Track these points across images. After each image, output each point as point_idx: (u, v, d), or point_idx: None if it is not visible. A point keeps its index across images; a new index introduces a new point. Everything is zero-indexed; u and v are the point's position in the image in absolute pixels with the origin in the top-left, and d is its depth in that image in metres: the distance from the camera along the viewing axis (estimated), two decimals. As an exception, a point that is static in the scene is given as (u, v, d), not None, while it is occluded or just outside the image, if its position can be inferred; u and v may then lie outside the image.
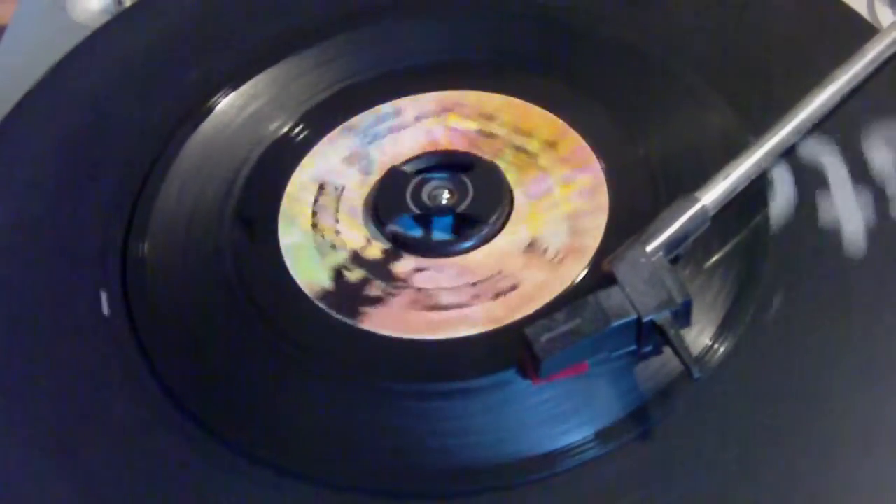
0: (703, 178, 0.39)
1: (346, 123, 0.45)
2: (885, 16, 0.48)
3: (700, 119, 0.43)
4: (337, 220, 0.43)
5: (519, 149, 0.43)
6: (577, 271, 0.39)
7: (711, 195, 0.38)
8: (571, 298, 0.37)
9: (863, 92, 0.42)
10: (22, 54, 0.52)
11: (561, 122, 0.44)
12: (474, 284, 0.40)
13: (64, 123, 0.47)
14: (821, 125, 0.41)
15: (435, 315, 0.39)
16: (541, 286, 0.39)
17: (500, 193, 0.42)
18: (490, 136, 0.44)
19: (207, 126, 0.46)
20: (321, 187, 0.44)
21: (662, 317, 0.35)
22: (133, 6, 0.52)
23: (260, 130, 0.46)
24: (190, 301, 0.41)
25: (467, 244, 0.41)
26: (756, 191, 0.40)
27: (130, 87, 0.48)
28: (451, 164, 0.44)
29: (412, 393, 0.37)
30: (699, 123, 0.43)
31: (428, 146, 0.44)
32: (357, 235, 0.42)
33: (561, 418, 0.36)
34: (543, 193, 0.42)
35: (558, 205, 0.42)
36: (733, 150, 0.40)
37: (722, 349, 0.37)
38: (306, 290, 0.40)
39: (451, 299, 0.40)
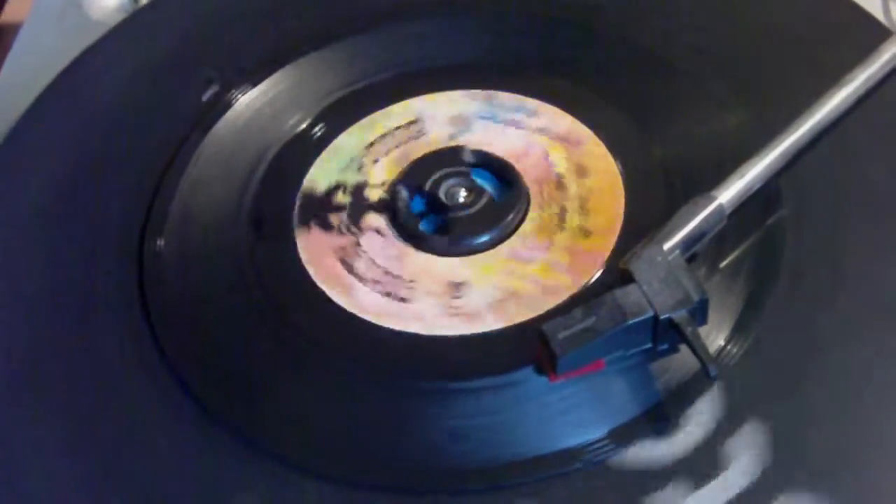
0: (719, 177, 0.39)
1: (492, 93, 0.46)
2: (899, 18, 0.48)
3: (716, 120, 0.44)
4: (387, 153, 0.44)
5: (562, 214, 0.42)
6: (448, 331, 0.39)
7: (728, 194, 0.38)
8: (589, 297, 0.37)
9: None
10: (38, 52, 0.52)
11: (616, 222, 0.41)
12: (387, 273, 0.40)
13: (81, 121, 0.48)
14: (830, 129, 0.42)
15: (341, 270, 0.40)
16: (413, 316, 0.39)
17: (499, 225, 0.41)
18: (561, 187, 0.43)
19: (225, 122, 0.46)
20: (413, 122, 0.45)
21: (679, 315, 0.35)
22: (149, 4, 0.52)
23: (278, 127, 0.46)
24: (205, 296, 0.41)
25: (424, 244, 0.41)
26: (772, 190, 0.40)
27: (148, 85, 0.48)
28: (502, 175, 0.43)
29: (426, 390, 0.37)
30: (716, 124, 0.43)
31: (510, 154, 0.44)
32: (382, 174, 0.43)
33: (576, 416, 0.36)
34: (524, 260, 0.41)
35: (516, 277, 0.40)
36: (749, 151, 0.40)
37: (737, 349, 0.37)
38: (304, 184, 0.42)
39: (362, 269, 0.41)
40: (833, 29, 0.46)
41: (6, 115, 0.48)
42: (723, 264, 0.39)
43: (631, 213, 0.41)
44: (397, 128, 0.45)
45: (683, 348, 0.36)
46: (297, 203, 0.42)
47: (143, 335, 0.40)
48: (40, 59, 0.51)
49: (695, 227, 0.38)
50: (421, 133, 0.45)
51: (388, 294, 0.40)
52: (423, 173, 0.43)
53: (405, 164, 0.44)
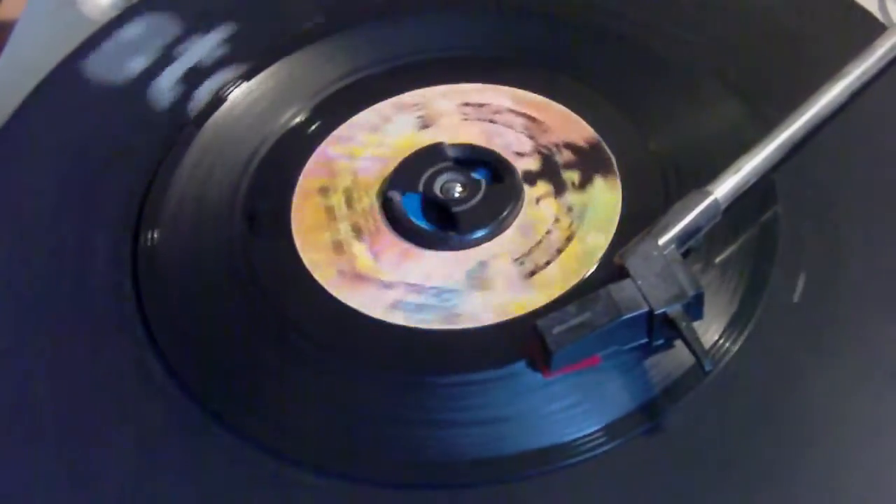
0: (714, 172, 0.39)
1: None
2: (895, 12, 0.48)
3: (711, 114, 0.44)
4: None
5: (559, 187, 0.42)
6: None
7: (723, 189, 0.38)
8: (584, 292, 0.37)
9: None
10: (32, 49, 0.52)
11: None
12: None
13: (75, 117, 0.47)
14: (825, 124, 0.41)
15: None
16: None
17: (499, 217, 0.41)
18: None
19: (219, 117, 0.46)
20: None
21: (674, 310, 0.35)
22: (140, 1, 0.52)
23: (272, 120, 0.46)
24: (201, 291, 0.41)
25: (435, 243, 0.41)
26: (767, 185, 0.40)
27: (141, 81, 0.48)
28: (493, 168, 0.43)
29: (420, 384, 0.37)
30: (711, 119, 0.44)
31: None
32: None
33: (570, 410, 0.36)
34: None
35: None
36: (744, 145, 0.40)
37: (733, 343, 0.37)
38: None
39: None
40: (828, 24, 0.46)
41: (0, 111, 0.48)
42: (718, 259, 0.39)
43: (627, 208, 0.41)
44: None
45: (679, 343, 0.36)
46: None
47: (137, 330, 0.40)
48: (35, 55, 0.50)
49: (690, 222, 0.37)
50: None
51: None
52: (410, 176, 0.43)
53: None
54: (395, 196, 0.42)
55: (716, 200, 0.38)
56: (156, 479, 0.36)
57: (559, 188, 0.42)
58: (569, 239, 0.41)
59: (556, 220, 0.41)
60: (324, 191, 0.43)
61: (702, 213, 0.38)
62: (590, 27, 0.48)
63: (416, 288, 0.40)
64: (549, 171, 0.43)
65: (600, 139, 0.43)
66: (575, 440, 0.35)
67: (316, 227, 0.42)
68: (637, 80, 0.45)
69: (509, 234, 0.41)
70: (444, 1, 0.50)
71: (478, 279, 0.40)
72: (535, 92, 0.45)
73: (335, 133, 0.45)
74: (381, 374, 0.38)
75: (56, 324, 0.41)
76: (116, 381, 0.39)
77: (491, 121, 0.45)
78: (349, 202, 0.43)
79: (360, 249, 0.41)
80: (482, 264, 0.40)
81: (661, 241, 0.37)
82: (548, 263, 0.40)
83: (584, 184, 0.42)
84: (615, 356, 0.36)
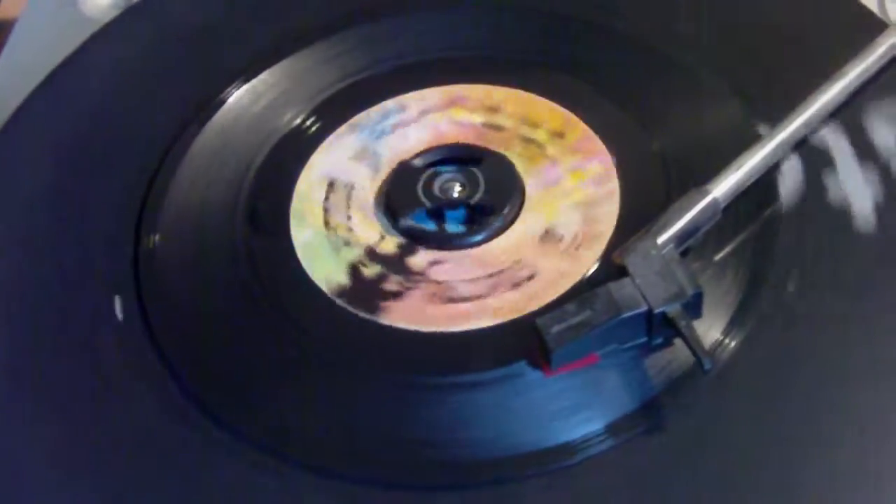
0: (713, 170, 0.39)
1: (352, 121, 0.46)
2: (895, 11, 0.48)
3: (710, 111, 0.44)
4: (349, 217, 0.43)
5: (527, 140, 0.44)
6: (593, 257, 0.40)
7: (722, 188, 0.38)
8: (583, 290, 0.37)
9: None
10: (32, 49, 0.52)
11: (567, 112, 0.44)
12: (491, 275, 0.40)
13: (74, 119, 0.47)
14: (831, 118, 0.42)
15: (453, 307, 0.39)
16: (561, 274, 0.39)
17: (512, 184, 0.42)
18: (497, 128, 0.44)
19: (218, 120, 0.46)
20: (331, 185, 0.44)
21: (673, 308, 0.35)
22: (142, 0, 0.52)
23: (270, 125, 0.46)
24: (202, 296, 0.41)
25: (482, 236, 0.41)
26: (767, 183, 0.40)
27: (141, 82, 0.48)
28: (461, 156, 0.44)
29: (422, 385, 0.37)
30: (710, 116, 0.44)
31: (435, 141, 0.44)
32: (371, 231, 0.42)
33: (571, 410, 0.36)
34: (554, 182, 0.42)
35: (570, 193, 0.42)
36: (743, 143, 0.40)
37: (732, 342, 0.37)
38: (324, 287, 0.40)
39: (469, 290, 0.40)
40: (828, 22, 0.46)
41: (0, 110, 0.48)
42: (717, 257, 0.39)
43: (626, 207, 0.41)
44: (326, 198, 0.43)
45: (678, 341, 0.36)
46: (343, 303, 0.40)
47: (138, 333, 0.40)
48: (35, 55, 0.51)
49: (689, 221, 0.38)
50: (349, 186, 0.44)
51: (516, 285, 0.39)
52: (402, 199, 0.42)
53: (374, 210, 0.43)
54: (411, 222, 0.42)
55: (715, 199, 0.38)
56: (156, 481, 0.36)
57: (540, 146, 0.43)
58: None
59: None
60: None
61: (701, 212, 0.38)
62: (589, 25, 0.48)
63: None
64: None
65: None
66: (575, 440, 0.35)
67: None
68: (635, 78, 0.45)
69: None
70: (440, 2, 0.50)
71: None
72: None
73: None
74: (382, 375, 0.38)
75: (56, 328, 0.40)
76: (117, 385, 0.39)
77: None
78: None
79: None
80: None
81: (661, 240, 0.37)
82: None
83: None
84: (615, 355, 0.36)
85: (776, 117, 0.41)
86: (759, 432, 0.35)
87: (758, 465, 0.34)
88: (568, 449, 0.35)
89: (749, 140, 0.40)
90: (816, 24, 0.46)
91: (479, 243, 0.41)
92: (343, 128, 0.45)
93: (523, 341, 0.36)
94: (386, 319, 0.39)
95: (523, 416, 0.36)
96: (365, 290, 0.40)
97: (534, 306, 0.39)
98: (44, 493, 0.36)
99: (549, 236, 0.41)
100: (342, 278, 0.41)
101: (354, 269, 0.41)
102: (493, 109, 0.45)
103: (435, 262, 0.41)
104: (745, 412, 0.35)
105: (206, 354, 0.39)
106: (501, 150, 0.43)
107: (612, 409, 0.36)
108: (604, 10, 0.48)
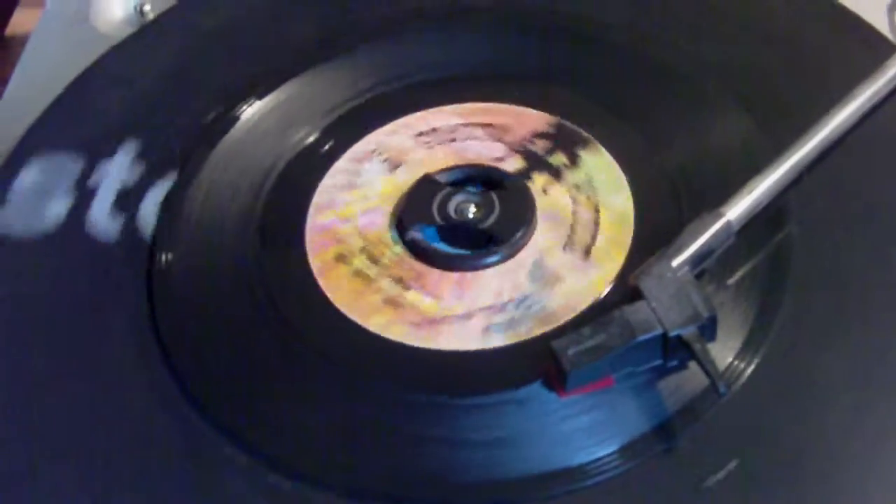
0: (726, 192, 0.39)
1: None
2: (905, 32, 0.48)
3: (724, 134, 0.44)
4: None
5: (553, 172, 0.43)
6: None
7: (736, 210, 0.38)
8: (598, 313, 0.37)
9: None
10: (45, 65, 0.52)
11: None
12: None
13: (86, 135, 0.47)
14: (837, 145, 0.41)
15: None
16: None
17: (525, 215, 0.42)
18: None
19: (231, 137, 0.46)
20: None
21: (688, 332, 0.35)
22: (156, 18, 0.52)
23: (285, 140, 0.46)
24: (215, 311, 0.41)
25: (483, 261, 0.41)
26: (780, 206, 0.40)
27: (154, 99, 0.48)
28: (484, 179, 0.44)
29: (434, 405, 0.37)
30: (723, 138, 0.44)
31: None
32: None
33: (585, 433, 0.36)
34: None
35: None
36: (757, 166, 0.40)
37: (746, 365, 0.37)
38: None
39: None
40: (839, 44, 0.46)
41: (13, 127, 0.48)
42: (731, 281, 0.39)
43: (639, 229, 0.41)
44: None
45: (693, 364, 0.36)
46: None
47: (152, 350, 0.40)
48: (47, 71, 0.51)
49: (703, 244, 0.38)
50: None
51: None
52: (417, 212, 0.43)
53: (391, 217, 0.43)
54: (417, 234, 0.42)
55: (729, 223, 0.38)
56: (166, 492, 0.36)
57: (555, 173, 0.43)
58: (596, 210, 0.42)
59: (574, 200, 0.42)
60: (342, 258, 0.42)
61: (715, 235, 0.38)
62: (598, 42, 0.48)
63: (495, 308, 0.40)
64: (536, 162, 0.44)
65: (559, 119, 0.44)
66: (589, 462, 0.35)
67: (358, 294, 0.41)
68: (648, 100, 0.45)
69: (542, 228, 0.42)
70: (456, 17, 0.50)
71: (544, 276, 0.40)
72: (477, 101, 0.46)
73: (315, 202, 0.44)
74: (395, 395, 0.38)
75: (69, 345, 0.41)
76: (130, 401, 0.39)
77: (452, 140, 0.45)
78: (373, 260, 0.42)
79: (415, 297, 0.41)
80: (537, 263, 0.41)
81: (675, 263, 0.37)
82: (594, 238, 0.41)
83: (573, 160, 0.43)
84: (630, 377, 0.36)
85: (788, 139, 0.41)
86: (772, 455, 0.35)
87: (773, 487, 0.34)
88: (581, 471, 0.35)
89: (761, 162, 0.40)
90: (827, 46, 0.46)
91: (477, 268, 0.41)
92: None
93: (538, 363, 0.36)
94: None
95: (533, 438, 0.36)
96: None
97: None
98: (44, 497, 0.37)
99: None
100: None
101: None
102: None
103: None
104: (759, 435, 0.35)
105: (217, 368, 0.39)
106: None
107: (626, 432, 0.36)
108: (613, 27, 0.48)
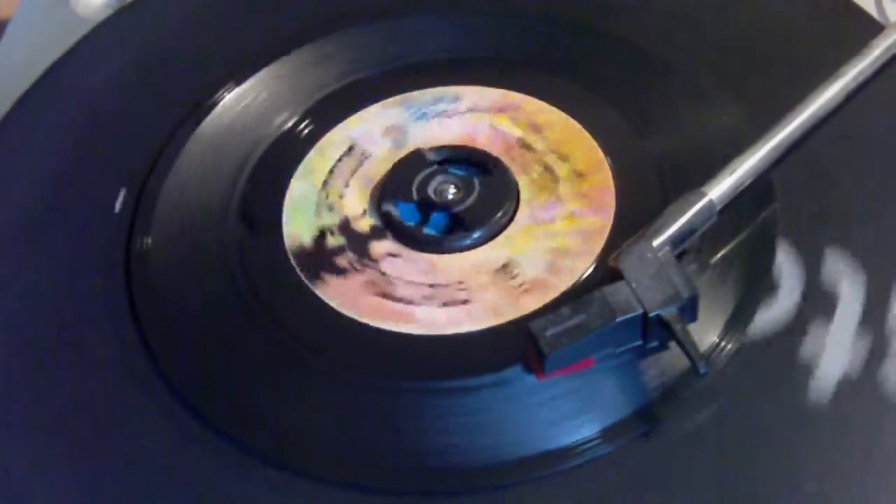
0: (709, 171, 0.39)
1: (406, 95, 0.46)
2: (893, 13, 0.48)
3: (707, 115, 0.43)
4: (347, 185, 0.43)
5: (548, 168, 0.43)
6: (532, 307, 0.39)
7: (718, 190, 0.38)
8: (577, 295, 0.37)
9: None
10: (24, 49, 0.51)
11: (601, 155, 0.43)
12: (432, 286, 0.40)
13: (65, 120, 0.47)
14: (821, 124, 0.41)
15: (385, 303, 0.39)
16: (492, 311, 0.39)
17: (502, 205, 0.41)
18: (528, 147, 0.44)
19: (211, 121, 0.46)
20: (350, 149, 0.44)
21: (668, 312, 0.35)
22: (133, 2, 0.52)
23: (264, 125, 0.46)
24: (193, 296, 0.41)
25: (447, 245, 0.41)
26: (763, 186, 0.40)
27: (133, 83, 0.48)
28: (475, 162, 0.43)
29: (414, 390, 0.37)
30: (706, 119, 0.43)
31: (464, 139, 0.44)
32: (357, 205, 0.43)
33: (565, 415, 0.36)
34: (545, 220, 0.41)
35: (552, 237, 0.41)
36: (740, 146, 0.40)
37: (729, 346, 0.37)
38: (286, 242, 0.41)
39: (404, 293, 0.40)
40: (824, 24, 0.46)
41: (-7, 111, 0.48)
42: (713, 260, 0.39)
43: (621, 210, 0.41)
44: (339, 159, 0.44)
45: (674, 345, 0.35)
46: (294, 262, 0.41)
47: (130, 337, 0.39)
48: (26, 56, 0.50)
49: (684, 224, 0.37)
50: (365, 155, 0.44)
51: (446, 304, 0.39)
52: (399, 186, 0.42)
53: (372, 186, 0.43)
54: (391, 208, 0.42)
55: (711, 202, 0.38)
56: (150, 486, 0.36)
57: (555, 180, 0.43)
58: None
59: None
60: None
61: (696, 214, 0.37)
62: (583, 26, 0.47)
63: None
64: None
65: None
66: (571, 445, 0.35)
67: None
68: (632, 81, 0.45)
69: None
70: (438, 1, 0.50)
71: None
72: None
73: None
74: (376, 381, 0.37)
75: (46, 333, 0.40)
76: (109, 390, 0.38)
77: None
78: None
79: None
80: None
81: (656, 243, 0.36)
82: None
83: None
84: (611, 359, 0.36)
85: (772, 120, 0.40)
86: (754, 436, 0.35)
87: (753, 469, 0.34)
88: (563, 454, 0.35)
89: (745, 141, 0.40)
90: (812, 27, 0.46)
91: (440, 252, 0.41)
92: (394, 99, 0.46)
93: (516, 346, 0.36)
94: (319, 291, 0.40)
95: (513, 422, 0.36)
96: (318, 258, 0.41)
97: (448, 331, 0.38)
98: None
99: (504, 270, 0.40)
100: (307, 240, 0.41)
101: (321, 235, 0.42)
102: (536, 129, 0.44)
103: (392, 255, 0.41)
104: (741, 416, 0.35)
105: (196, 354, 0.39)
106: (518, 171, 0.43)
107: (606, 414, 0.35)
108: (597, 11, 0.48)
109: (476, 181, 0.42)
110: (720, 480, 0.34)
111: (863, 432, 0.35)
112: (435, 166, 0.43)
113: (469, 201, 0.41)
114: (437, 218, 0.42)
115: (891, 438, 0.34)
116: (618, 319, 0.35)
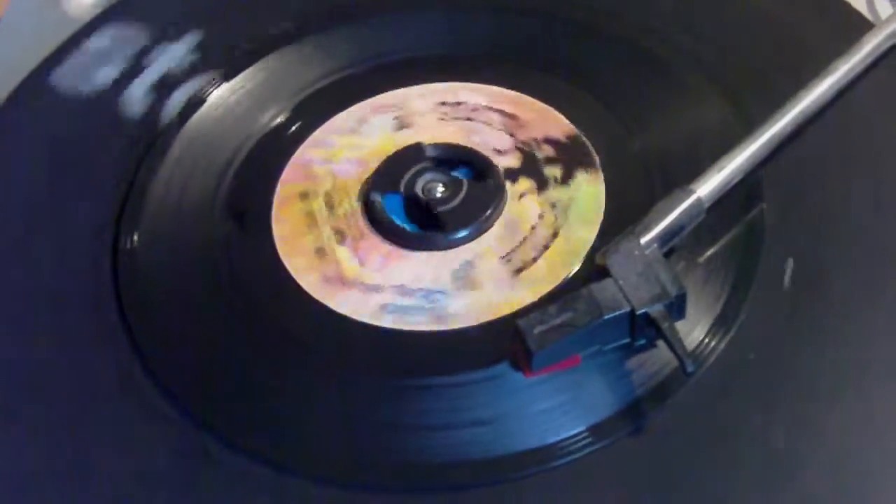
0: (698, 169, 0.39)
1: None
2: (884, 11, 0.48)
3: (697, 112, 0.43)
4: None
5: (541, 182, 0.42)
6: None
7: (707, 187, 0.38)
8: (565, 292, 0.36)
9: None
10: (15, 48, 0.51)
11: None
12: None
13: (54, 119, 0.47)
14: (811, 121, 0.41)
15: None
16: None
17: (483, 214, 0.41)
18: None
19: (199, 118, 0.46)
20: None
21: (656, 309, 0.35)
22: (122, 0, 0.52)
23: (252, 122, 0.46)
24: (181, 292, 0.41)
25: (433, 242, 0.41)
26: (752, 183, 0.40)
27: (123, 80, 0.48)
28: (474, 167, 0.43)
29: (403, 387, 0.37)
30: (696, 117, 0.43)
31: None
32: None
33: (555, 412, 0.36)
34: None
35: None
36: (729, 142, 0.40)
37: (718, 343, 0.36)
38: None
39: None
40: (815, 21, 0.46)
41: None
42: (702, 258, 0.38)
43: (611, 205, 0.41)
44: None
45: (662, 343, 0.35)
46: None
47: (118, 334, 0.39)
48: (17, 55, 0.50)
49: (673, 221, 0.37)
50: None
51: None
52: (391, 177, 0.42)
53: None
54: (377, 198, 0.42)
55: (699, 199, 0.38)
56: (142, 488, 0.36)
57: (542, 184, 0.42)
58: (554, 235, 0.40)
59: (541, 217, 0.41)
60: (304, 196, 0.43)
61: (685, 211, 0.37)
62: (572, 23, 0.47)
63: (403, 290, 0.39)
64: (531, 167, 0.42)
65: (579, 132, 0.43)
66: (560, 441, 0.35)
67: (298, 233, 0.41)
68: (620, 79, 0.45)
69: (494, 231, 0.41)
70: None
71: (465, 279, 0.39)
72: (509, 88, 0.45)
73: (312, 136, 0.45)
74: (365, 378, 0.37)
75: (34, 333, 0.40)
76: (98, 390, 0.38)
77: (468, 119, 0.44)
78: (330, 206, 0.42)
79: (343, 254, 0.41)
80: (468, 263, 0.40)
81: (644, 241, 0.36)
82: (535, 260, 0.40)
83: (566, 178, 0.42)
84: (600, 356, 0.36)
85: (761, 117, 0.40)
86: (741, 433, 0.35)
87: (741, 466, 0.34)
88: (552, 451, 0.35)
89: (734, 139, 0.40)
90: (803, 25, 0.46)
91: (425, 248, 0.41)
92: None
93: (502, 344, 0.36)
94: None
95: (506, 418, 0.36)
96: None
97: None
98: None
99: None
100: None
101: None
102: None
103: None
104: (728, 413, 0.35)
105: (184, 351, 0.39)
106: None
107: (596, 411, 0.35)
108: (586, 8, 0.48)
109: (465, 183, 0.42)
110: (707, 478, 0.34)
111: (860, 431, 0.34)
112: (428, 163, 0.43)
113: (453, 202, 0.41)
114: (420, 214, 0.42)
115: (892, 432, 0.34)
116: (605, 317, 0.35)
